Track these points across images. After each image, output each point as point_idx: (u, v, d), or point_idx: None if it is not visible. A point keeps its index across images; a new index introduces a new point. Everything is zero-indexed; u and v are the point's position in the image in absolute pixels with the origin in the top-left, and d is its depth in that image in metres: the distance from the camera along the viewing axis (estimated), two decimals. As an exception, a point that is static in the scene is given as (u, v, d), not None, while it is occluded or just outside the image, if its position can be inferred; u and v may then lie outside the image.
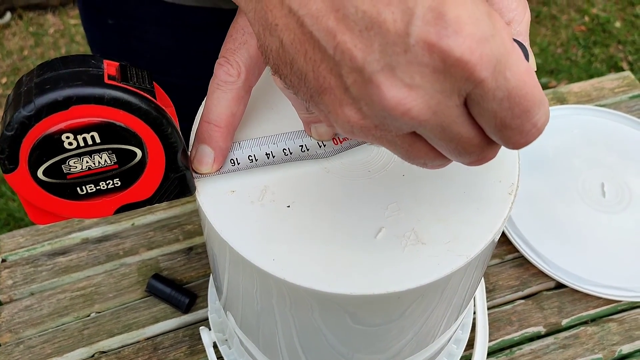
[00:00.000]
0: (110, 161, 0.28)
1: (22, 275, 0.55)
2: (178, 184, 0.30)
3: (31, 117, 0.25)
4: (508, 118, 0.22)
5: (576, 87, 0.68)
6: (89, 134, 0.26)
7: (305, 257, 0.30)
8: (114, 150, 0.27)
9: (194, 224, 0.58)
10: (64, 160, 0.27)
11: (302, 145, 0.33)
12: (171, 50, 0.55)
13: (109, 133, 0.26)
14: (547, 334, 0.52)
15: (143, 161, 0.28)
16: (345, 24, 0.21)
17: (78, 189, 0.28)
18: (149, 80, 0.28)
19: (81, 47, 1.80)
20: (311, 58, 0.23)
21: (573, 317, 0.53)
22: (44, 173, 0.27)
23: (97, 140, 0.26)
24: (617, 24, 1.81)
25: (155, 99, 0.27)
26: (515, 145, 0.23)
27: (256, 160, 0.32)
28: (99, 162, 0.27)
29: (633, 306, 0.53)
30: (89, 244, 0.57)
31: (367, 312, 0.31)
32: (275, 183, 0.32)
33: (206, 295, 0.53)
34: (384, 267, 0.30)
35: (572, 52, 1.73)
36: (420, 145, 0.24)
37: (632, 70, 1.64)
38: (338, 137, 0.33)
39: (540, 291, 0.54)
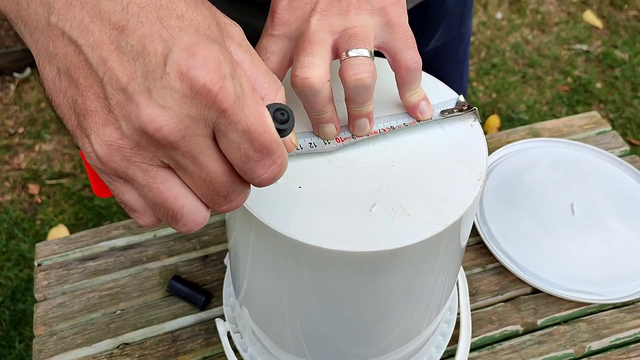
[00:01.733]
0: None
1: (56, 277, 0.62)
2: None
3: None
4: (250, 151, 0.26)
5: (549, 124, 0.77)
6: None
7: (313, 224, 0.37)
8: None
9: (209, 235, 0.65)
10: None
11: (310, 143, 0.41)
12: None
13: None
14: (524, 333, 0.58)
15: None
16: (117, 53, 0.25)
17: None
18: None
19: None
20: (82, 84, 0.26)
21: (547, 318, 0.59)
22: None
23: None
24: (598, 85, 1.94)
25: None
26: (261, 180, 0.27)
27: None
28: None
29: (601, 309, 0.60)
30: (115, 251, 0.64)
31: (365, 272, 0.38)
32: (288, 170, 0.40)
33: (221, 295, 0.59)
34: (378, 232, 0.37)
35: (557, 109, 1.85)
36: (172, 184, 0.27)
37: (613, 127, 1.74)
38: (340, 137, 0.41)
39: (518, 295, 0.61)
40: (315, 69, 0.36)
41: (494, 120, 1.79)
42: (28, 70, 1.99)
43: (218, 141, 0.27)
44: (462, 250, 0.45)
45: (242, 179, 0.28)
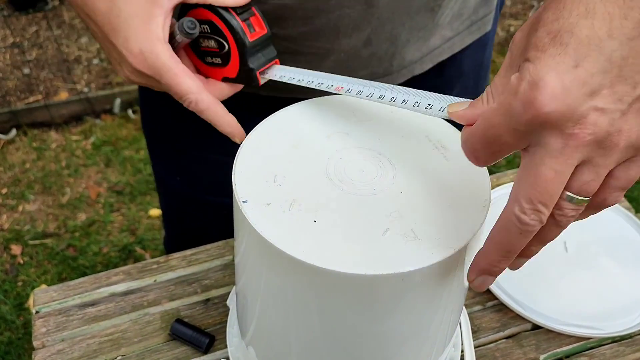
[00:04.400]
0: (215, 45, 0.50)
1: (55, 324, 0.61)
2: (247, 75, 0.50)
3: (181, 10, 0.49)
4: None
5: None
6: (204, 25, 0.49)
7: (328, 249, 0.38)
8: (215, 40, 0.49)
9: (210, 279, 0.65)
10: (198, 39, 0.50)
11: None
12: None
13: (212, 27, 0.49)
14: (528, 368, 0.59)
15: (229, 52, 0.49)
16: None
17: (205, 57, 0.51)
18: (251, 10, 0.49)
19: (80, 160, 1.91)
20: None
21: (549, 353, 0.60)
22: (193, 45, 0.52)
23: (208, 30, 0.49)
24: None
25: (249, 19, 0.48)
26: None
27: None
28: (210, 44, 0.50)
29: (600, 343, 0.61)
30: (116, 297, 0.63)
31: (379, 295, 0.39)
32: (301, 198, 0.41)
33: (224, 337, 0.59)
34: (391, 256, 0.38)
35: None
36: None
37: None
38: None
39: (519, 332, 0.62)
40: None
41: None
42: (13, 132, 2.00)
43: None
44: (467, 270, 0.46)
45: None
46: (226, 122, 0.49)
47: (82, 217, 1.75)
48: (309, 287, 0.40)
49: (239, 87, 0.53)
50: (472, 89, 0.78)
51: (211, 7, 0.48)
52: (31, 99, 2.08)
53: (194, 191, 0.77)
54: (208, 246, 0.69)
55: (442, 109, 0.39)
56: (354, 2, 0.54)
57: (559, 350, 0.60)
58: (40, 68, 2.20)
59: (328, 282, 0.38)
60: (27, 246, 1.68)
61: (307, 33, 0.56)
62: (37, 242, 1.69)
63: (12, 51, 2.26)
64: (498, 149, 0.33)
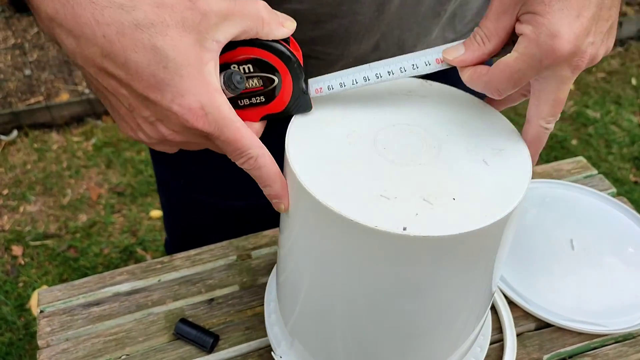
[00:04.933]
0: (259, 84, 0.44)
1: (59, 323, 0.61)
2: (302, 102, 0.45)
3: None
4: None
5: (539, 168, 0.80)
6: (245, 66, 0.43)
7: (384, 211, 0.39)
8: (260, 78, 0.44)
9: (214, 279, 0.65)
10: None
11: (365, 77, 0.45)
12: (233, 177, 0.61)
13: (258, 65, 0.43)
14: (531, 368, 0.59)
15: (278, 85, 0.44)
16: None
17: (239, 100, 0.45)
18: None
19: (81, 161, 1.91)
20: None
21: (553, 353, 0.60)
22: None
23: (251, 70, 0.43)
24: (574, 142, 2.01)
25: (289, 45, 0.41)
26: None
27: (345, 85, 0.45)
28: (252, 84, 0.44)
29: (603, 344, 0.61)
30: (120, 296, 0.63)
31: (420, 257, 0.40)
32: (352, 165, 0.42)
33: (227, 337, 0.59)
34: (436, 220, 0.39)
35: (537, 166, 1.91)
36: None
37: (591, 180, 1.80)
38: (391, 71, 0.45)
39: (523, 332, 0.62)
40: None
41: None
42: (15, 133, 2.00)
43: None
44: (502, 258, 0.47)
45: None
46: (281, 184, 0.44)
47: (83, 218, 1.75)
48: (356, 247, 0.40)
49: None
50: (476, 92, 0.78)
51: (257, 43, 0.42)
52: (32, 100, 2.08)
53: (195, 193, 0.77)
54: (212, 246, 0.69)
55: (437, 60, 0.45)
56: (365, 8, 0.54)
57: (562, 350, 0.60)
58: (42, 69, 2.20)
59: (387, 243, 0.39)
60: (28, 247, 1.68)
61: (318, 38, 0.56)
62: (38, 243, 1.69)
63: (14, 52, 2.26)
64: (519, 84, 0.42)
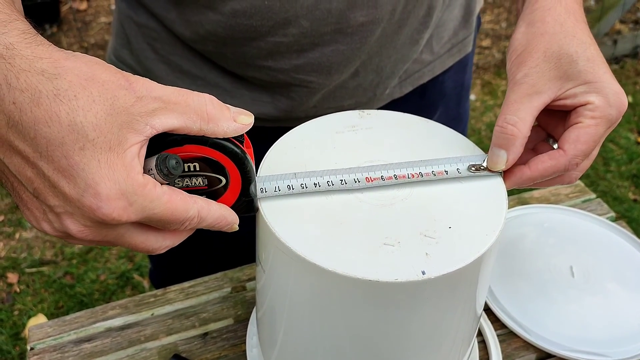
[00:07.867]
0: (202, 183, 0.39)
1: (50, 361, 0.59)
2: (246, 205, 0.40)
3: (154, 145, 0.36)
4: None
5: (537, 193, 0.80)
6: (191, 163, 0.37)
7: (360, 259, 0.39)
8: (205, 177, 0.37)
9: (208, 312, 0.64)
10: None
11: (341, 180, 0.43)
12: None
13: (206, 164, 0.37)
14: (533, 401, 0.57)
15: (225, 186, 0.38)
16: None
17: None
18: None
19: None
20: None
21: (555, 385, 0.58)
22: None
23: (197, 169, 0.37)
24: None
25: (243, 145, 0.38)
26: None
27: (306, 187, 0.42)
28: (194, 183, 0.38)
29: (607, 374, 0.60)
30: (112, 332, 0.62)
31: (394, 300, 0.39)
32: (327, 209, 0.42)
33: (222, 373, 0.58)
34: (406, 264, 0.38)
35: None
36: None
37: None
38: (370, 177, 0.43)
39: (524, 363, 0.60)
40: None
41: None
42: (11, 159, 1.99)
43: None
44: (484, 290, 0.46)
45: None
46: (228, 215, 0.39)
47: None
48: (338, 297, 0.40)
49: None
50: (454, 110, 0.78)
51: (207, 141, 0.37)
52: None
53: None
54: (206, 278, 0.68)
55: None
56: (348, 39, 0.55)
57: (564, 381, 0.59)
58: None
59: (368, 291, 0.38)
60: (23, 274, 1.67)
61: (301, 66, 0.57)
62: (33, 270, 1.68)
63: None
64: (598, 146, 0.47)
